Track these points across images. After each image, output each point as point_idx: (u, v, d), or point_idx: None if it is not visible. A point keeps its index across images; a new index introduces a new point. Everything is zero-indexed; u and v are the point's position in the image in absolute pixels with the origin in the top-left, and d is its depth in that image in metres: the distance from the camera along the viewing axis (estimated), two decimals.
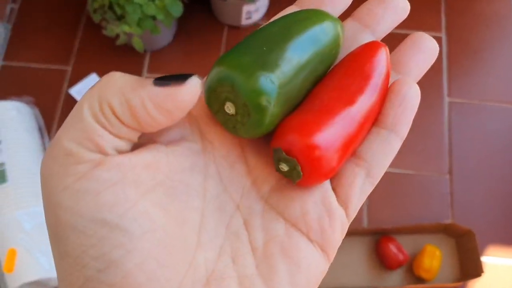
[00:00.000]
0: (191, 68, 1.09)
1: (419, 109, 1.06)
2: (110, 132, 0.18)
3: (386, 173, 1.00)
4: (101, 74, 1.08)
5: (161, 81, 0.18)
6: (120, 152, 0.18)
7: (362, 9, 0.24)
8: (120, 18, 0.97)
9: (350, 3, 0.25)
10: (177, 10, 0.95)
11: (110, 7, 0.96)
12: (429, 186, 1.00)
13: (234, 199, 0.21)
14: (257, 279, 0.19)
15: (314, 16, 0.22)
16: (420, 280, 0.93)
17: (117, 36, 1.08)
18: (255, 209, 0.21)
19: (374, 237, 0.95)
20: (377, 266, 0.94)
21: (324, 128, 0.20)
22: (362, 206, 0.98)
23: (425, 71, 0.24)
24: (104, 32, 0.99)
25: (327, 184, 0.21)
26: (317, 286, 0.20)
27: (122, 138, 0.18)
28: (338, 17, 1.08)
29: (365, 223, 0.97)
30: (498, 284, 0.93)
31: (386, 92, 0.22)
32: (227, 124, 0.20)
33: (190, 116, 0.21)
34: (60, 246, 0.17)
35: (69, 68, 1.09)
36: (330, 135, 0.20)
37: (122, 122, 0.18)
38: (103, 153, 0.18)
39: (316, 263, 0.20)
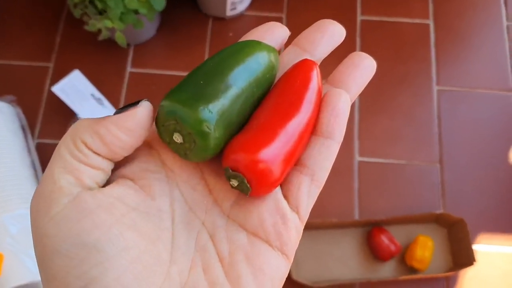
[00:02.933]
0: (176, 61, 1.07)
1: (408, 97, 1.05)
2: (86, 164, 0.21)
3: (376, 164, 1.00)
4: (84, 70, 1.06)
5: (119, 109, 0.22)
6: (97, 183, 0.22)
7: (302, 35, 0.27)
8: (102, 12, 0.94)
9: (287, 38, 0.27)
10: (160, 3, 0.93)
11: (91, 1, 0.94)
12: (419, 176, 0.99)
13: (199, 217, 0.23)
14: (227, 285, 0.22)
15: (247, 47, 0.25)
16: (412, 270, 0.93)
17: (99, 31, 1.06)
18: (219, 224, 0.23)
19: (366, 228, 0.95)
20: (369, 257, 0.93)
21: (264, 143, 0.22)
22: (353, 197, 0.97)
23: (364, 87, 0.26)
24: (86, 27, 0.97)
25: (278, 193, 0.23)
26: (281, 286, 0.23)
27: (97, 168, 0.22)
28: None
29: (356, 215, 0.96)
30: (490, 272, 0.93)
31: (319, 104, 0.25)
32: (179, 152, 0.23)
33: (150, 149, 0.24)
34: (47, 270, 0.20)
35: (51, 65, 1.06)
36: (270, 149, 0.22)
37: (95, 152, 0.21)
38: (83, 185, 0.21)
39: (277, 265, 0.22)
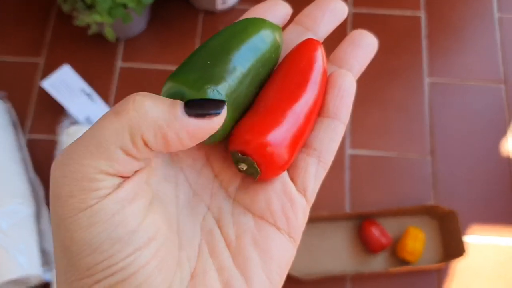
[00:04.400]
0: (167, 56, 1.07)
1: (399, 90, 1.05)
2: (135, 158, 0.19)
3: (367, 157, 1.00)
4: (74, 65, 1.05)
5: (194, 110, 0.19)
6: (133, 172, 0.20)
7: (303, 13, 0.27)
8: (91, 7, 0.94)
9: (289, 15, 0.27)
10: None
11: None
12: (411, 168, 0.99)
13: (204, 201, 0.23)
14: (234, 269, 0.21)
15: (251, 25, 0.24)
16: (404, 262, 0.93)
17: (89, 26, 1.05)
18: (224, 208, 0.23)
19: (357, 221, 0.95)
20: (360, 250, 0.94)
21: (272, 126, 0.22)
22: (344, 190, 0.97)
23: (366, 65, 0.27)
24: (75, 22, 0.96)
25: (285, 175, 0.23)
26: (288, 269, 0.23)
27: (143, 160, 0.20)
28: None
29: (347, 208, 0.96)
30: (481, 263, 0.93)
31: (325, 85, 0.24)
32: None
33: None
34: (71, 260, 0.19)
35: (41, 61, 1.06)
36: (278, 132, 0.22)
37: (151, 149, 0.20)
38: (123, 177, 0.19)
39: (284, 249, 0.22)
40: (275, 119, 0.22)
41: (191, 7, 1.12)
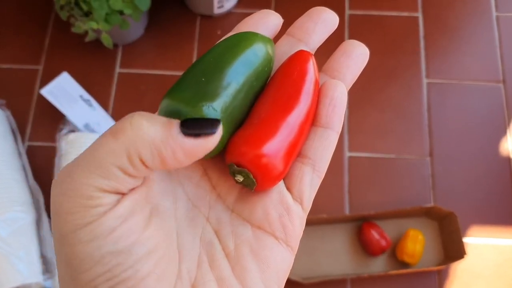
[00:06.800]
0: (165, 61, 1.07)
1: (397, 91, 1.05)
2: (133, 177, 0.20)
3: (366, 159, 0.99)
4: (73, 72, 1.06)
5: (190, 130, 0.20)
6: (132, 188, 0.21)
7: (295, 25, 0.27)
8: (88, 14, 0.94)
9: (281, 25, 0.27)
10: (144, 3, 0.93)
11: (77, 3, 0.94)
12: (410, 170, 0.99)
13: (203, 213, 0.23)
14: (233, 279, 0.22)
15: (244, 40, 0.24)
16: (403, 265, 0.92)
17: (86, 33, 1.06)
18: (223, 219, 0.23)
19: (356, 224, 0.95)
20: (360, 253, 0.94)
21: (267, 138, 0.23)
22: (343, 193, 0.97)
23: (358, 75, 0.27)
24: (72, 29, 0.97)
25: (281, 185, 0.24)
26: (286, 278, 0.23)
27: (139, 178, 0.20)
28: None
29: (346, 211, 0.96)
30: (481, 264, 0.93)
31: (317, 95, 0.25)
32: None
33: None
34: (73, 273, 0.19)
35: (40, 68, 1.07)
36: (273, 143, 0.23)
37: (148, 168, 0.20)
38: (122, 193, 0.20)
39: (282, 257, 0.23)
40: (270, 131, 0.23)
41: (188, 12, 1.12)
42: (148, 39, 1.09)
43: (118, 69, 1.07)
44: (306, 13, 0.27)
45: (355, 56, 0.26)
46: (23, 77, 1.06)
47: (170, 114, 0.22)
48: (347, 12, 1.11)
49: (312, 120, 0.25)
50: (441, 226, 0.94)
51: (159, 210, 0.22)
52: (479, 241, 0.94)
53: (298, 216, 0.24)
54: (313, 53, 0.27)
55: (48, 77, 1.06)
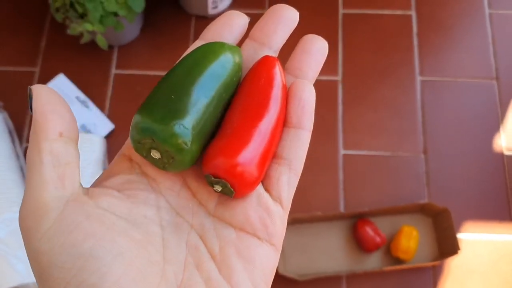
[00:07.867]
0: (160, 61, 1.08)
1: (391, 89, 1.05)
2: (64, 163, 0.22)
3: (360, 156, 1.00)
4: (69, 73, 1.07)
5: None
6: (77, 185, 0.22)
7: (256, 27, 0.28)
8: (83, 16, 0.95)
9: (247, 25, 0.27)
10: (139, 5, 0.94)
11: (72, 5, 0.95)
12: (404, 167, 1.00)
13: (187, 220, 0.24)
14: (221, 279, 0.23)
15: (211, 52, 0.25)
16: (398, 261, 0.93)
17: (81, 34, 1.06)
18: (206, 224, 0.24)
19: (351, 221, 0.96)
20: (355, 249, 0.94)
21: (241, 147, 0.23)
22: (338, 190, 0.98)
23: (320, 69, 0.27)
24: (68, 31, 0.98)
25: (260, 187, 0.25)
26: (273, 275, 0.24)
27: (70, 161, 0.22)
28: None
29: (341, 208, 0.97)
30: (475, 260, 0.93)
31: (286, 98, 0.26)
32: (158, 165, 0.24)
33: (131, 162, 0.25)
34: (46, 284, 0.20)
35: (36, 70, 1.08)
36: (247, 151, 0.23)
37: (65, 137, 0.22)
38: (66, 192, 0.21)
39: (267, 256, 0.24)
40: (243, 140, 0.24)
41: (183, 13, 1.13)
42: (144, 40, 1.10)
43: (114, 70, 1.07)
44: (267, 12, 0.28)
45: (314, 52, 0.27)
46: (20, 79, 1.07)
47: (142, 131, 0.22)
48: (341, 11, 1.12)
49: (283, 123, 0.26)
50: (435, 222, 0.95)
51: (137, 219, 0.23)
52: (473, 237, 0.95)
53: (279, 216, 0.24)
54: (278, 52, 0.28)
55: (44, 79, 1.07)
